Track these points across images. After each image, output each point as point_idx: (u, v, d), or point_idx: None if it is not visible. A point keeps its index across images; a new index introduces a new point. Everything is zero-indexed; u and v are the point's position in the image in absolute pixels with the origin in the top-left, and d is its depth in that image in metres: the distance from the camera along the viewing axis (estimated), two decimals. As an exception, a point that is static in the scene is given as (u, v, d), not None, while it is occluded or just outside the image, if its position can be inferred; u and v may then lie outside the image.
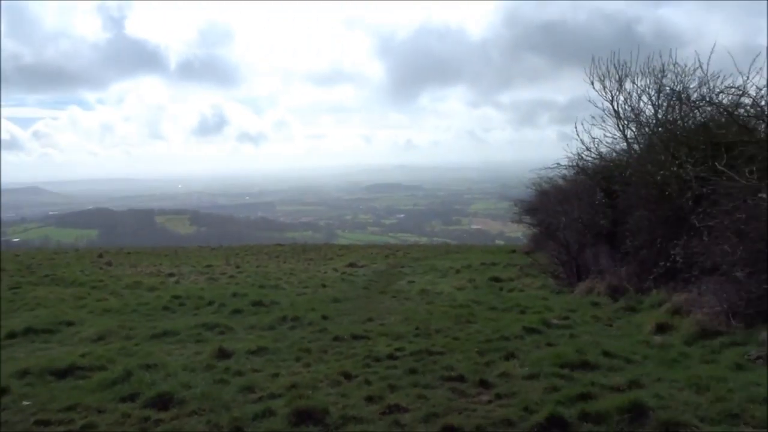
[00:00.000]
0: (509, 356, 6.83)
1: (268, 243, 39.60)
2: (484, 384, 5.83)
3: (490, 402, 5.33)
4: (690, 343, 7.14)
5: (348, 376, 6.19)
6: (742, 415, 4.51)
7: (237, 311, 10.74)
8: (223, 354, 7.22)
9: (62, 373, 6.34)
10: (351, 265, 21.20)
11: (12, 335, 8.56)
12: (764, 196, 8.04)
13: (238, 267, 20.72)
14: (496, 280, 16.17)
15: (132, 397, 5.50)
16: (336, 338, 8.18)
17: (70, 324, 9.40)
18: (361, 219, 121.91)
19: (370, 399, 5.41)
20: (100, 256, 25.42)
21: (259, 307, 11.18)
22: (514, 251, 27.32)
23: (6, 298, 12.34)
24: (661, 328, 7.99)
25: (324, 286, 15.21)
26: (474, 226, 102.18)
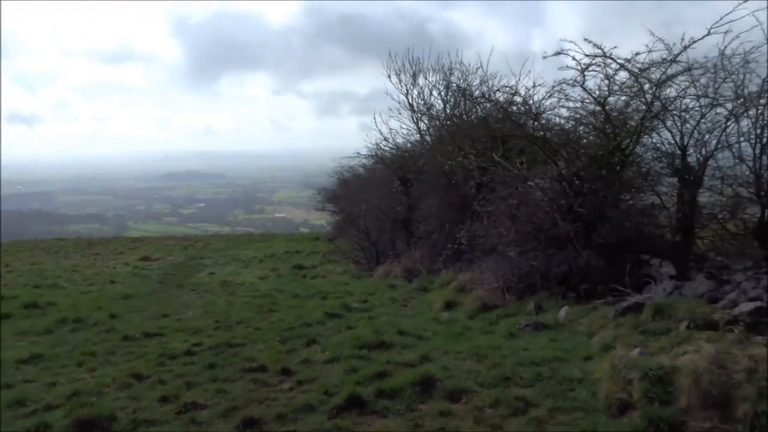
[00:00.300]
0: (311, 342, 6.92)
1: (47, 237, 35.33)
2: (285, 372, 5.82)
3: (291, 389, 5.33)
4: (472, 317, 7.88)
5: (139, 377, 5.77)
6: (513, 377, 5.08)
7: (4, 316, 9.41)
8: (-15, 366, 6.27)
9: None
10: (144, 258, 19.81)
11: None
12: (532, 183, 9.15)
13: (7, 266, 18.16)
14: (300, 267, 16.30)
15: None
16: (126, 338, 7.59)
17: None
18: (156, 209, 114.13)
19: (164, 399, 5.10)
20: None
21: (32, 309, 9.94)
22: (317, 239, 27.76)
23: None
24: (449, 305, 8.71)
25: (113, 282, 14.02)
26: (278, 215, 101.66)
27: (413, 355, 5.96)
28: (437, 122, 14.97)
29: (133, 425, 4.56)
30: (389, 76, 15.51)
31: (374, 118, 16.08)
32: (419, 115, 15.52)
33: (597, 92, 8.36)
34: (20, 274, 15.89)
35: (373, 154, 17.24)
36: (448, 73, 14.35)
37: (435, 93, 14.92)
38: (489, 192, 9.86)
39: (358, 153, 17.77)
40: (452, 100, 14.49)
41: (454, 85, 14.10)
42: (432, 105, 15.12)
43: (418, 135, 15.86)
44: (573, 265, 7.85)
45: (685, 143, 8.71)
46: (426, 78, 15.06)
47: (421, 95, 15.21)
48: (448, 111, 14.58)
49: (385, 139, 16.30)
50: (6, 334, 8.11)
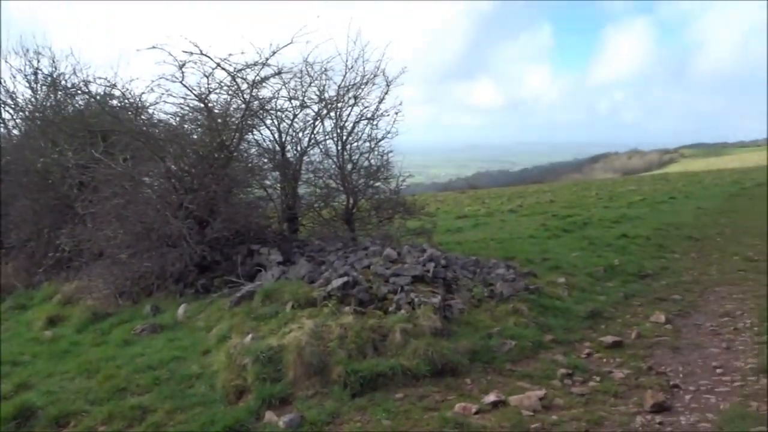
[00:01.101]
0: None
1: None
2: None
3: None
4: (82, 330, 7.17)
5: None
6: (129, 387, 4.82)
7: None
8: None
9: None
10: None
11: None
12: (145, 181, 8.76)
13: None
14: None
15: None
16: None
17: None
18: None
19: None
20: None
21: None
22: None
23: None
24: (53, 321, 7.75)
25: None
26: None
27: (7, 386, 5.12)
28: (25, 113, 13.01)
29: None
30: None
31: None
32: (1, 104, 13.21)
33: (198, 89, 8.50)
34: None
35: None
36: (34, 58, 12.57)
37: (20, 80, 12.90)
38: (92, 192, 9.09)
39: None
40: (43, 89, 12.78)
41: (43, 72, 12.45)
42: (17, 94, 13.05)
43: (1, 128, 13.52)
44: (188, 261, 7.85)
45: (283, 140, 9.59)
46: (7, 62, 12.88)
47: (2, 81, 12.96)
48: (38, 101, 12.80)
49: (-46, 133, 13.40)
50: None
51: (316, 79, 9.24)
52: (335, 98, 9.36)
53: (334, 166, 9.80)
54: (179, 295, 7.73)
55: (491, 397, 4.36)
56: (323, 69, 9.14)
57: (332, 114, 9.53)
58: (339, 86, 9.32)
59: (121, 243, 8.19)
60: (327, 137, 9.71)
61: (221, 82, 8.44)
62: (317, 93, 9.36)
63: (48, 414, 4.37)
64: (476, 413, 4.14)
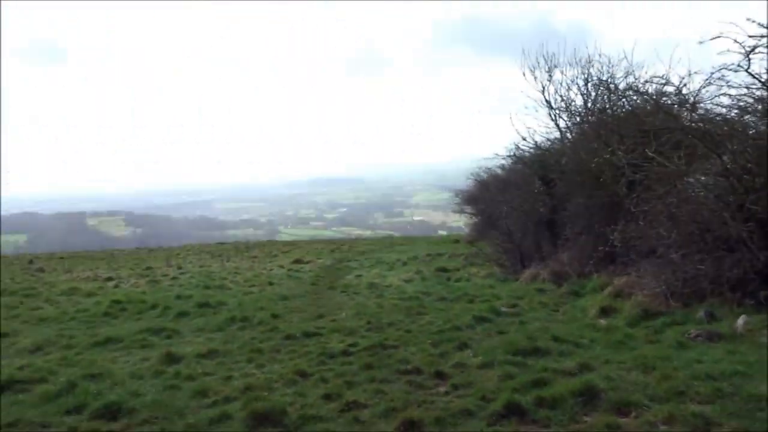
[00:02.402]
0: (462, 346, 6.93)
1: (209, 242, 38.71)
2: (440, 375, 5.88)
3: (447, 393, 5.37)
4: (633, 324, 7.42)
5: (303, 375, 6.11)
6: (687, 392, 4.70)
7: (182, 314, 10.38)
8: (171, 359, 6.97)
9: (0, 388, 5.98)
10: (297, 261, 21.00)
11: (-61, 352, 8.01)
12: (692, 180, 8.44)
13: (180, 268, 20.13)
14: (443, 270, 16.37)
15: (78, 410, 5.23)
16: (288, 337, 8.06)
17: (4, 335, 8.84)
18: (303, 214, 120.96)
19: (327, 397, 5.35)
20: (31, 262, 24.23)
21: (205, 308, 10.87)
22: (457, 241, 27.75)
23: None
24: (605, 311, 8.28)
25: (271, 283, 14.99)
26: (416, 218, 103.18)
27: (571, 364, 5.74)
28: (578, 118, 14.33)
29: (302, 420, 4.82)
30: (523, 74, 15.10)
31: (510, 118, 15.72)
32: (557, 112, 14.95)
33: (765, 76, 7.56)
34: (192, 276, 17.50)
35: (512, 154, 16.96)
36: (586, 66, 13.68)
37: (573, 88, 14.28)
38: (643, 190, 9.25)
39: (496, 154, 17.65)
40: (593, 94, 13.79)
41: (595, 78, 13.40)
42: (571, 101, 14.50)
43: (558, 132, 15.29)
44: (748, 268, 7.12)
45: None
46: (563, 73, 14.46)
47: (558, 91, 14.65)
48: (589, 106, 13.90)
49: (524, 139, 15.91)
50: (185, 331, 8.97)
51: None
52: None
53: None
54: (737, 305, 7.08)
55: None
56: None
57: None
58: None
59: (672, 243, 8.08)
60: None
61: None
62: None
63: (610, 398, 4.67)
64: None
